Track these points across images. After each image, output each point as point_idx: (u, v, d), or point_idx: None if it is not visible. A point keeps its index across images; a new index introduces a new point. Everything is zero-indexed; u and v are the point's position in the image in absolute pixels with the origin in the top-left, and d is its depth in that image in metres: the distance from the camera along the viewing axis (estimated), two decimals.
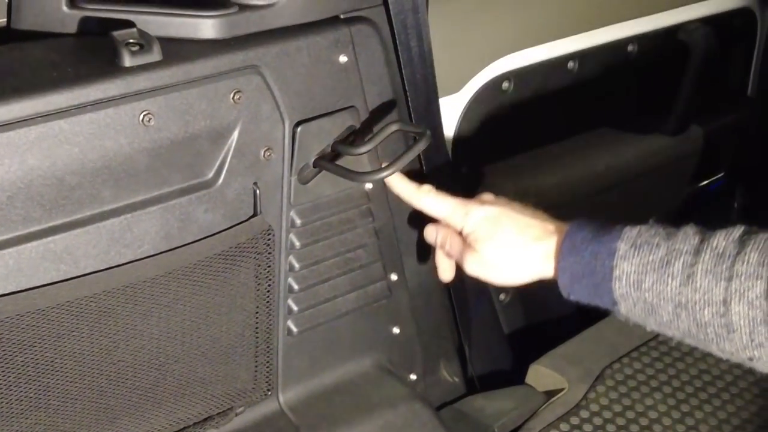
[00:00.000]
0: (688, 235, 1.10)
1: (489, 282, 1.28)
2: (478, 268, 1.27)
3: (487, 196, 1.29)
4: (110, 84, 1.09)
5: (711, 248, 1.07)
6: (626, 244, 1.12)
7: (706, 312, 1.06)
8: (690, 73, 1.92)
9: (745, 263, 1.04)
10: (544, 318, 1.89)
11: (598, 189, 1.84)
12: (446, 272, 1.36)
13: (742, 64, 2.13)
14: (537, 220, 1.25)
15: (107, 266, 1.15)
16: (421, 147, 1.28)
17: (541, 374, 1.66)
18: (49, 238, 1.10)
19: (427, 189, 1.31)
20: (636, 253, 1.11)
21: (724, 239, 1.07)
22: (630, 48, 1.82)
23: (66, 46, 1.18)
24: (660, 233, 1.12)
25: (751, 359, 1.06)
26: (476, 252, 1.25)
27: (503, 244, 1.24)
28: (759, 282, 1.02)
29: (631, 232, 1.13)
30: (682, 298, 1.07)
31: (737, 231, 1.08)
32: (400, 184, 1.32)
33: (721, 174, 2.18)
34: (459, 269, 1.55)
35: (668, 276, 1.08)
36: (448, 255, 1.32)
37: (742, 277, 1.03)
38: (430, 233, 1.33)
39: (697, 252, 1.07)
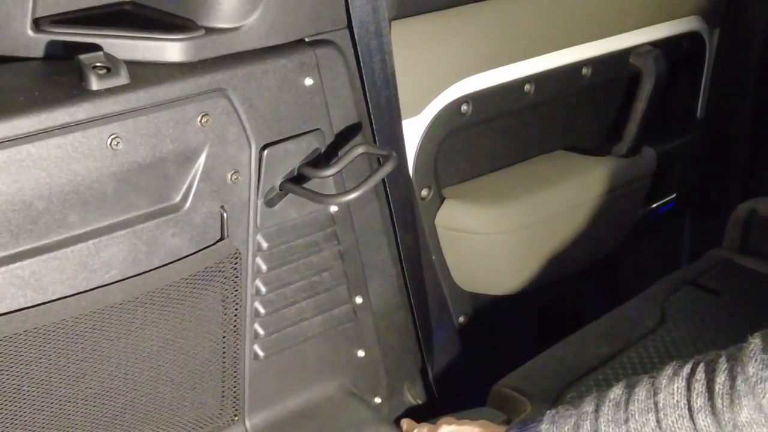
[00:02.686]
0: (592, 398, 1.19)
1: None
2: None
3: (444, 419, 1.42)
4: (78, 108, 1.09)
5: (608, 400, 1.15)
6: (546, 424, 1.21)
7: None
8: (641, 95, 1.95)
9: (636, 402, 1.12)
10: (504, 340, 1.90)
11: (552, 212, 1.86)
12: None
13: (691, 88, 2.16)
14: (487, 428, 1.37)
15: (75, 292, 1.14)
16: (387, 169, 1.29)
17: (503, 396, 1.66)
18: (16, 264, 1.09)
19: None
20: (554, 428, 1.19)
21: (618, 389, 1.16)
22: (584, 71, 1.84)
23: (32, 70, 1.17)
24: (573, 404, 1.21)
25: None
26: None
27: None
28: (650, 415, 1.10)
29: (550, 413, 1.22)
30: None
31: (625, 381, 1.18)
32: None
33: (673, 195, 2.20)
34: (420, 288, 1.57)
35: None
36: None
37: (636, 415, 1.11)
38: None
39: (598, 408, 1.16)
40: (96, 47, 1.14)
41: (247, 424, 1.38)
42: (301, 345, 1.40)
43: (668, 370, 1.12)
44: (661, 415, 1.09)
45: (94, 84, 1.10)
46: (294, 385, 1.43)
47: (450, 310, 1.75)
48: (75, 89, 1.10)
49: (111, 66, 1.11)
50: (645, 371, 1.71)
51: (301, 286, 1.37)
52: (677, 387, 1.09)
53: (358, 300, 1.46)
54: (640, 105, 1.95)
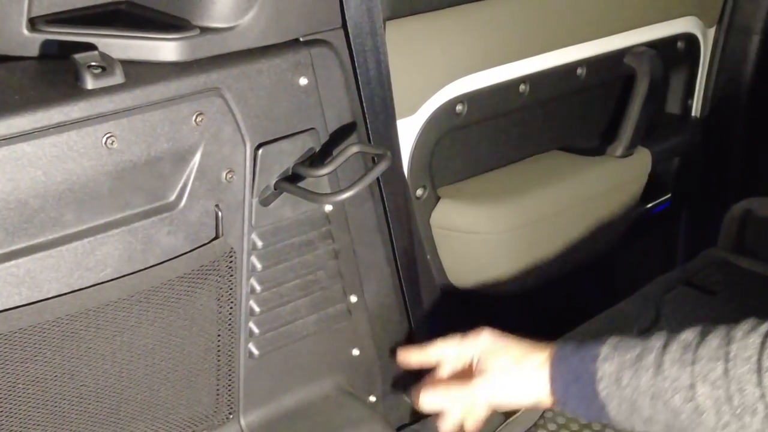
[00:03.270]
0: (661, 335, 1.17)
1: (500, 406, 1.32)
2: (490, 390, 1.29)
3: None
4: (73, 107, 1.09)
5: (678, 341, 1.14)
6: (607, 347, 1.18)
7: (676, 398, 1.11)
8: (636, 96, 1.95)
9: (707, 348, 1.11)
10: None
11: (548, 211, 1.86)
12: None
13: (686, 88, 2.17)
14: (534, 346, 1.30)
15: (70, 290, 1.14)
16: (381, 168, 1.29)
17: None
18: (12, 262, 1.09)
19: (437, 345, 1.37)
20: (615, 354, 1.17)
21: (690, 333, 1.15)
22: (579, 71, 1.84)
23: (28, 70, 1.17)
24: (638, 338, 1.19)
25: None
26: (486, 373, 1.28)
27: (511, 359, 1.28)
28: (719, 363, 1.09)
29: (613, 339, 1.20)
30: (655, 389, 1.13)
31: (700, 326, 1.15)
32: (413, 356, 1.38)
33: (668, 196, 2.21)
34: (415, 287, 1.57)
35: (642, 370, 1.14)
36: (455, 407, 1.32)
37: (704, 360, 1.10)
38: (429, 400, 1.33)
39: (666, 345, 1.14)
40: (91, 46, 1.15)
41: (242, 422, 1.39)
42: (296, 343, 1.41)
43: (745, 325, 1.11)
44: (730, 365, 1.08)
45: (89, 83, 1.10)
46: (289, 383, 1.43)
47: (445, 309, 1.76)
48: (70, 88, 1.10)
49: (106, 65, 1.12)
50: None
51: (295, 284, 1.38)
52: (752, 342, 1.08)
53: (353, 299, 1.46)
54: (635, 105, 1.95)
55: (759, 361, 1.06)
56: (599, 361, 1.17)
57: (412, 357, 1.38)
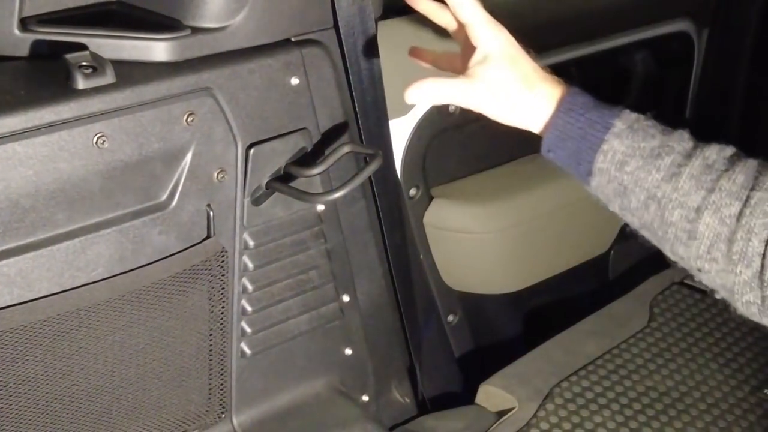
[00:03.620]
0: (684, 138, 1.11)
1: (478, 107, 1.21)
2: (480, 98, 1.19)
3: None
4: (64, 106, 1.09)
5: (703, 156, 1.07)
6: (623, 123, 1.11)
7: (676, 213, 1.06)
8: (630, 95, 1.96)
9: (731, 181, 1.04)
10: (493, 338, 1.90)
11: (541, 211, 1.86)
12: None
13: (680, 88, 2.17)
14: (551, 76, 1.21)
15: (61, 289, 1.14)
16: (373, 168, 1.30)
17: (491, 394, 1.67)
18: (3, 262, 1.09)
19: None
20: (630, 135, 1.10)
21: (716, 153, 1.07)
22: (572, 71, 1.84)
23: (19, 70, 1.18)
24: (657, 126, 1.12)
25: (699, 270, 1.07)
26: (485, 79, 1.18)
27: (520, 71, 1.18)
28: (737, 203, 1.03)
29: (630, 115, 1.12)
30: (658, 192, 1.07)
31: (729, 150, 1.08)
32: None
33: None
34: (408, 286, 1.57)
35: (653, 167, 1.07)
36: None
37: (723, 193, 1.04)
38: (416, 90, 1.19)
39: (689, 156, 1.07)
40: (82, 47, 1.15)
41: (234, 421, 1.39)
42: (289, 343, 1.41)
43: None
44: (748, 211, 1.02)
45: (81, 83, 1.10)
46: (281, 382, 1.43)
47: (438, 309, 1.76)
48: (61, 88, 1.11)
49: (97, 65, 1.12)
50: (633, 370, 1.73)
51: (288, 284, 1.38)
52: None
53: (345, 298, 1.46)
54: (628, 105, 1.94)
55: None
56: (610, 133, 1.10)
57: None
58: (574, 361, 1.75)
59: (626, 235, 2.07)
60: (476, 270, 1.81)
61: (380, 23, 1.44)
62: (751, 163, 1.06)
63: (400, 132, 1.59)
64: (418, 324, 1.63)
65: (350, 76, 1.36)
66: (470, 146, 1.81)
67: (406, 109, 1.59)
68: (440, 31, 1.63)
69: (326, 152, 1.34)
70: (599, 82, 1.94)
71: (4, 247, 1.09)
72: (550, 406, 1.64)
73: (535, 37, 1.75)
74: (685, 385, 1.69)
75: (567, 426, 1.60)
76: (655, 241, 1.12)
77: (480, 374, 1.71)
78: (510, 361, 1.75)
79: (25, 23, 1.19)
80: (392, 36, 1.49)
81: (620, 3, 1.93)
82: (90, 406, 1.21)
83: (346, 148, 1.31)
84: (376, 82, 1.39)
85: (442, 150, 1.73)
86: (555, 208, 1.88)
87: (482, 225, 1.78)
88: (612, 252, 2.10)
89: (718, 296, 1.09)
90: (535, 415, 1.62)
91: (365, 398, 1.55)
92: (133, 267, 1.20)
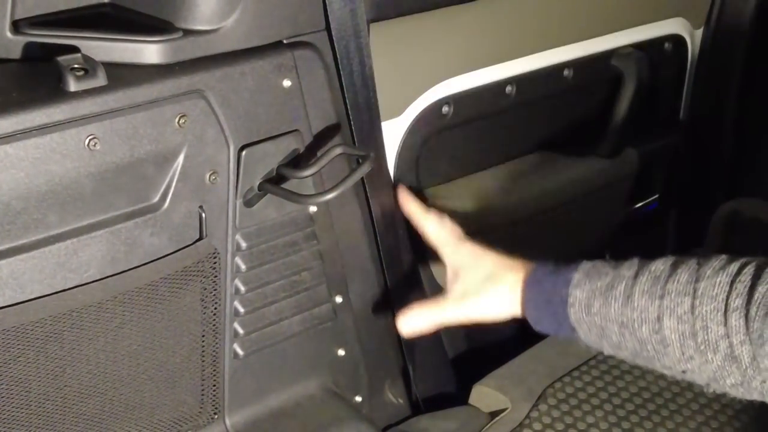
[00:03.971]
0: (633, 263, 1.19)
1: (465, 317, 1.34)
2: (463, 308, 1.33)
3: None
4: (55, 108, 1.09)
5: (649, 272, 1.15)
6: (580, 273, 1.20)
7: (644, 329, 1.14)
8: (623, 97, 1.96)
9: (676, 282, 1.12)
10: (486, 339, 1.91)
11: (536, 211, 1.87)
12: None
13: (674, 89, 2.17)
14: (515, 263, 1.32)
15: (53, 291, 1.14)
16: (364, 170, 1.30)
17: (484, 394, 1.67)
18: None
19: (433, 216, 1.43)
20: (587, 281, 1.19)
21: (661, 264, 1.16)
22: (566, 73, 1.85)
23: (10, 72, 1.18)
24: (610, 264, 1.21)
25: (684, 372, 1.14)
26: (459, 290, 1.34)
27: (483, 275, 1.32)
28: (686, 299, 1.11)
29: (585, 265, 1.22)
30: (623, 318, 1.15)
31: (672, 258, 1.17)
32: (408, 203, 1.46)
33: (655, 196, 2.21)
34: (401, 287, 1.57)
35: (612, 298, 1.16)
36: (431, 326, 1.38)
37: (672, 294, 1.12)
38: (407, 324, 1.39)
39: (637, 275, 1.16)
40: (74, 49, 1.15)
41: (227, 422, 1.39)
42: (281, 344, 1.41)
43: (715, 262, 1.12)
44: (698, 302, 1.09)
45: (72, 85, 1.11)
46: (274, 383, 1.44)
47: None
48: (53, 90, 1.11)
49: (89, 67, 1.12)
50: (626, 370, 1.73)
51: (280, 285, 1.38)
52: (720, 281, 1.09)
53: (338, 299, 1.47)
54: (622, 106, 1.96)
55: (726, 300, 1.08)
56: (571, 287, 1.20)
57: (407, 205, 1.46)
58: (567, 362, 1.75)
59: (620, 235, 2.09)
60: None
61: (374, 25, 1.44)
62: (691, 261, 1.14)
63: (393, 133, 1.60)
64: None
65: (342, 78, 1.36)
66: (464, 147, 1.81)
67: (399, 110, 1.59)
68: (433, 34, 1.64)
69: (318, 154, 1.34)
70: (592, 84, 1.95)
71: None
72: (543, 407, 1.64)
73: (526, 39, 1.77)
74: (678, 384, 1.69)
75: (560, 426, 1.60)
76: (649, 364, 1.19)
77: (473, 375, 1.71)
78: (503, 361, 1.75)
79: (17, 26, 1.20)
80: (384, 38, 1.49)
81: (613, 5, 1.93)
82: (82, 407, 1.22)
83: (338, 150, 1.31)
84: (368, 83, 1.39)
85: (435, 151, 1.73)
86: (549, 208, 1.89)
87: (476, 226, 1.78)
88: (606, 253, 2.11)
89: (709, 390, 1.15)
90: (528, 416, 1.62)
91: (358, 399, 1.56)
92: (126, 268, 1.20)
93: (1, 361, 1.12)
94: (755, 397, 1.11)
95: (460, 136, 1.77)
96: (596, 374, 1.72)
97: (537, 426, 1.60)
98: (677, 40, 2.09)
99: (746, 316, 1.06)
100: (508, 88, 1.76)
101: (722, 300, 1.08)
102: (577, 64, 1.86)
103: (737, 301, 1.07)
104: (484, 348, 1.88)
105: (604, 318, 1.17)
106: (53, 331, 1.15)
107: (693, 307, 1.10)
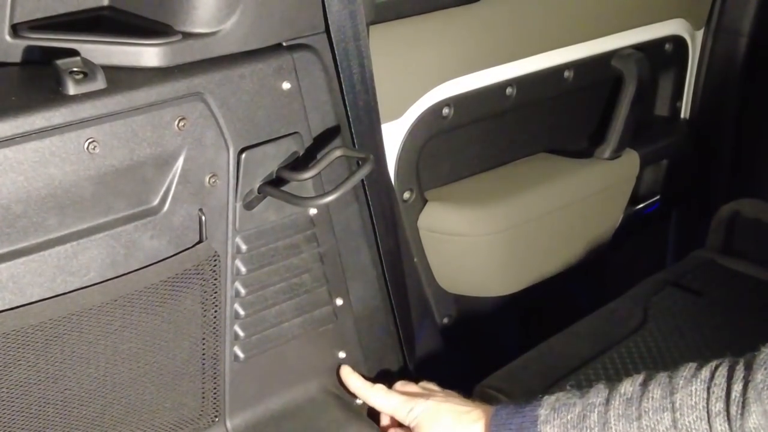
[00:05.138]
0: (599, 389, 1.20)
1: None
2: None
3: (429, 386, 1.46)
4: (55, 112, 1.09)
5: (619, 395, 1.16)
6: (546, 409, 1.21)
7: None
8: (624, 98, 1.96)
9: (650, 400, 1.12)
10: (487, 341, 1.91)
11: (536, 214, 1.87)
12: None
13: (675, 90, 2.17)
14: (471, 407, 1.35)
15: (53, 294, 1.14)
16: (364, 172, 1.30)
17: (485, 396, 1.67)
18: None
19: (379, 387, 1.44)
20: (556, 416, 1.19)
21: (630, 385, 1.17)
22: (566, 74, 1.85)
23: (9, 76, 1.18)
24: (575, 394, 1.22)
25: None
26: None
27: (442, 429, 1.34)
28: (666, 414, 1.11)
29: (549, 399, 1.23)
30: None
31: (640, 377, 1.18)
32: (354, 380, 1.47)
33: (656, 197, 2.22)
34: (402, 290, 1.57)
35: (587, 429, 1.16)
36: None
37: (650, 413, 1.12)
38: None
39: (608, 401, 1.17)
40: (73, 52, 1.15)
41: (228, 425, 1.39)
42: (282, 346, 1.41)
43: (684, 372, 1.13)
44: (678, 414, 1.10)
45: (71, 89, 1.11)
46: (275, 386, 1.43)
47: (433, 312, 1.76)
48: (52, 94, 1.11)
49: (88, 71, 1.12)
50: (628, 372, 1.72)
51: (281, 288, 1.38)
52: (696, 389, 1.10)
53: (339, 302, 1.47)
54: (623, 108, 1.96)
55: (707, 407, 1.08)
56: (539, 424, 1.20)
57: (353, 382, 1.47)
58: (568, 363, 1.74)
59: (621, 236, 2.09)
60: (471, 273, 1.82)
61: (373, 27, 1.44)
62: (661, 375, 1.15)
63: (393, 135, 1.60)
64: (412, 327, 1.63)
65: (342, 80, 1.36)
66: (464, 149, 1.81)
67: (399, 112, 1.60)
68: (432, 36, 1.64)
69: (318, 156, 1.34)
70: (592, 85, 1.95)
71: None
72: None
73: (526, 41, 1.77)
74: None
75: None
76: None
77: (474, 376, 1.71)
78: (505, 363, 1.75)
79: (16, 29, 1.20)
80: (384, 40, 1.50)
81: (613, 6, 1.93)
82: (83, 411, 1.22)
83: (337, 152, 1.31)
84: (368, 86, 1.39)
85: (435, 153, 1.73)
86: (550, 210, 1.89)
87: (476, 228, 1.78)
88: (607, 254, 2.11)
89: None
90: None
91: (359, 401, 1.55)
92: (126, 271, 1.20)
93: (1, 365, 1.12)
94: None
95: (460, 138, 1.78)
96: (598, 375, 1.72)
97: None
98: (678, 42, 2.10)
99: (728, 418, 1.07)
100: (509, 90, 1.76)
101: (703, 408, 1.09)
102: (577, 66, 1.86)
103: (718, 406, 1.08)
104: (485, 350, 1.88)
105: None
106: (53, 335, 1.15)
107: (674, 421, 1.10)
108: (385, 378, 1.60)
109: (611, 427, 1.13)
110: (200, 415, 1.35)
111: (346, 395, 1.51)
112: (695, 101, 2.19)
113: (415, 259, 1.70)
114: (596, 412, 1.16)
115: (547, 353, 1.77)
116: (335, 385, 1.50)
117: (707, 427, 1.08)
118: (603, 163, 1.97)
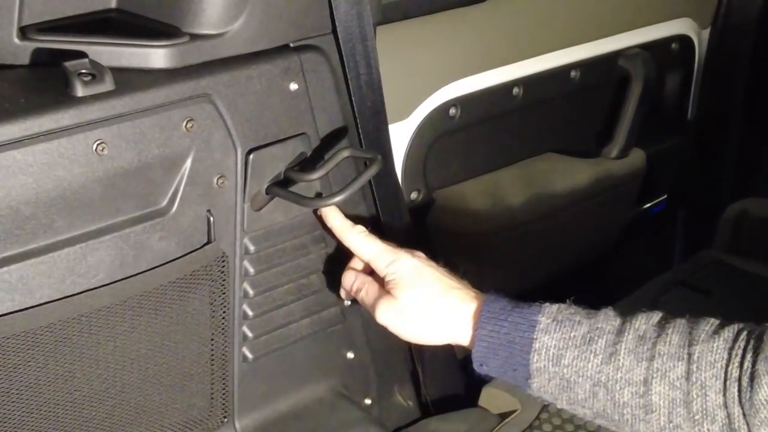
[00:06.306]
0: (609, 316, 1.13)
1: (397, 334, 1.24)
2: (391, 315, 1.23)
3: (420, 253, 1.29)
4: (63, 114, 1.09)
5: (633, 329, 1.09)
6: (547, 318, 1.12)
7: (626, 392, 1.07)
8: (631, 98, 1.96)
9: (667, 344, 1.06)
10: None
11: (544, 213, 1.87)
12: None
13: (681, 90, 2.17)
14: (461, 285, 1.24)
15: (62, 296, 1.14)
16: (372, 172, 1.30)
17: (494, 396, 1.67)
18: (4, 269, 1.09)
19: (360, 229, 1.32)
20: (557, 328, 1.11)
21: (645, 322, 1.10)
22: (573, 74, 1.85)
23: (18, 78, 1.18)
24: (580, 312, 1.13)
25: None
26: (393, 299, 1.23)
27: (424, 296, 1.22)
28: (680, 363, 1.04)
29: (551, 308, 1.13)
30: (602, 376, 1.08)
31: (656, 316, 1.12)
32: (335, 218, 1.34)
33: (663, 197, 2.22)
34: None
35: (590, 353, 1.08)
36: (362, 302, 1.30)
37: (664, 357, 1.05)
38: (348, 279, 1.32)
39: (620, 332, 1.09)
40: (81, 54, 1.15)
41: (237, 426, 1.39)
42: (290, 347, 1.42)
43: (706, 326, 1.07)
44: (694, 367, 1.03)
45: (80, 90, 1.11)
46: (283, 386, 1.44)
47: None
48: (60, 96, 1.11)
49: (96, 72, 1.12)
50: None
51: (289, 288, 1.38)
52: (717, 347, 1.03)
53: (347, 302, 1.47)
54: (630, 107, 1.96)
55: (725, 369, 1.02)
56: (537, 331, 1.11)
57: (333, 221, 1.33)
58: None
59: (628, 236, 2.09)
60: (478, 272, 1.82)
61: (380, 28, 1.44)
62: (680, 321, 1.09)
63: (401, 136, 1.60)
64: None
65: (349, 81, 1.36)
66: (471, 149, 1.81)
67: (407, 113, 1.60)
68: (439, 36, 1.64)
69: (326, 157, 1.35)
70: (599, 85, 1.95)
71: (4, 254, 1.10)
72: (553, 408, 1.64)
73: (533, 41, 1.78)
74: None
75: (570, 428, 1.60)
76: (613, 427, 1.11)
77: (482, 376, 1.71)
78: None
79: (24, 32, 1.20)
80: (391, 41, 1.50)
81: (619, 5, 1.93)
82: (92, 412, 1.22)
83: (345, 153, 1.32)
84: (375, 86, 1.39)
85: (443, 153, 1.73)
86: (557, 210, 1.89)
87: (485, 227, 1.78)
88: (614, 253, 2.11)
89: None
90: (538, 417, 1.62)
91: (368, 401, 1.56)
92: (134, 273, 1.20)
93: (11, 366, 1.12)
94: None
95: (467, 138, 1.78)
96: None
97: (547, 427, 1.60)
98: (684, 41, 2.10)
99: (739, 387, 1.01)
100: (516, 90, 1.76)
101: (721, 368, 1.03)
102: (584, 66, 1.86)
103: (735, 372, 1.02)
104: None
105: (576, 372, 1.09)
106: (62, 336, 1.15)
107: (689, 372, 1.03)
108: (393, 378, 1.61)
109: (619, 360, 1.06)
110: (209, 416, 1.35)
111: (354, 396, 1.52)
112: (702, 100, 2.19)
113: None
114: (605, 339, 1.08)
115: None
116: (344, 386, 1.50)
117: (722, 387, 1.02)
118: (610, 162, 1.98)
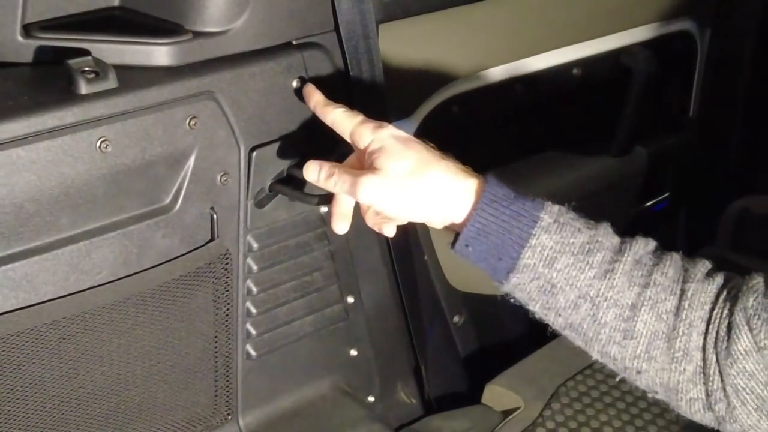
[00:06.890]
0: (609, 232, 1.07)
1: (383, 211, 1.12)
2: (375, 190, 1.09)
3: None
4: (66, 111, 1.10)
5: (633, 252, 1.04)
6: (549, 216, 1.06)
7: (611, 312, 1.02)
8: (633, 95, 1.96)
9: (663, 275, 1.02)
10: (498, 338, 1.91)
11: None
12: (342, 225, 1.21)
13: (683, 87, 2.17)
14: (453, 160, 1.14)
15: (66, 293, 1.15)
16: None
17: (497, 393, 1.67)
18: (8, 266, 1.10)
19: (341, 106, 1.20)
20: (559, 230, 1.05)
21: (642, 248, 1.05)
22: (575, 71, 1.85)
23: (21, 75, 1.18)
24: (580, 219, 1.07)
25: (638, 372, 1.04)
26: (378, 170, 1.09)
27: (413, 165, 1.09)
28: (672, 297, 1.01)
29: (552, 207, 1.07)
30: (591, 290, 1.02)
31: (652, 244, 1.07)
32: (314, 94, 1.24)
33: (665, 194, 2.21)
34: (412, 288, 1.57)
35: (586, 264, 1.03)
36: (337, 190, 1.15)
37: (659, 288, 1.01)
38: (311, 169, 1.16)
39: (619, 251, 1.04)
40: (85, 52, 1.15)
41: (241, 423, 1.40)
42: (294, 344, 1.42)
43: (701, 266, 1.04)
44: (686, 304, 1.00)
45: (83, 88, 1.11)
46: (287, 384, 1.44)
47: (443, 310, 1.76)
48: (64, 93, 1.11)
49: (99, 70, 1.12)
50: None
51: (292, 286, 1.39)
52: (710, 289, 1.01)
53: (350, 300, 1.47)
54: (632, 105, 1.96)
55: (711, 311, 0.99)
56: (538, 228, 1.04)
57: (313, 98, 1.22)
58: (579, 361, 1.74)
59: (631, 233, 2.09)
60: (481, 271, 1.81)
61: (383, 26, 1.44)
62: (676, 256, 1.05)
63: None
64: (423, 324, 1.63)
65: (352, 79, 1.36)
66: (473, 147, 1.81)
67: (409, 111, 1.60)
68: (442, 34, 1.64)
69: (329, 154, 1.35)
70: (601, 82, 1.95)
71: (9, 252, 1.10)
72: (556, 405, 1.64)
73: (535, 38, 1.77)
74: None
75: (573, 425, 1.60)
76: (580, 342, 1.07)
77: (486, 374, 1.71)
78: (516, 360, 1.75)
79: (27, 29, 1.20)
80: (394, 38, 1.50)
81: (621, 3, 1.93)
82: (96, 409, 1.22)
83: (348, 150, 1.32)
84: (377, 84, 1.40)
85: (445, 151, 1.73)
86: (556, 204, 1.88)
87: None
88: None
89: (652, 396, 1.05)
90: (541, 414, 1.62)
91: (371, 399, 1.56)
92: (138, 270, 1.21)
93: (15, 363, 1.12)
94: (707, 421, 1.03)
95: (470, 136, 1.77)
96: (608, 372, 1.70)
97: (550, 424, 1.60)
98: (686, 38, 2.09)
99: (717, 333, 0.99)
100: (518, 88, 1.76)
101: (708, 310, 1.00)
102: (586, 63, 1.86)
103: (717, 318, 0.99)
104: (497, 347, 1.88)
105: (566, 279, 1.03)
106: (67, 333, 1.16)
107: (679, 308, 1.00)
108: (396, 376, 1.61)
109: (614, 278, 1.01)
110: (213, 412, 1.36)
111: (357, 393, 1.52)
112: (703, 98, 2.19)
113: (426, 257, 1.70)
114: (603, 254, 1.02)
115: (558, 351, 1.77)
116: (347, 383, 1.51)
117: (704, 329, 0.99)
118: (611, 160, 1.97)
